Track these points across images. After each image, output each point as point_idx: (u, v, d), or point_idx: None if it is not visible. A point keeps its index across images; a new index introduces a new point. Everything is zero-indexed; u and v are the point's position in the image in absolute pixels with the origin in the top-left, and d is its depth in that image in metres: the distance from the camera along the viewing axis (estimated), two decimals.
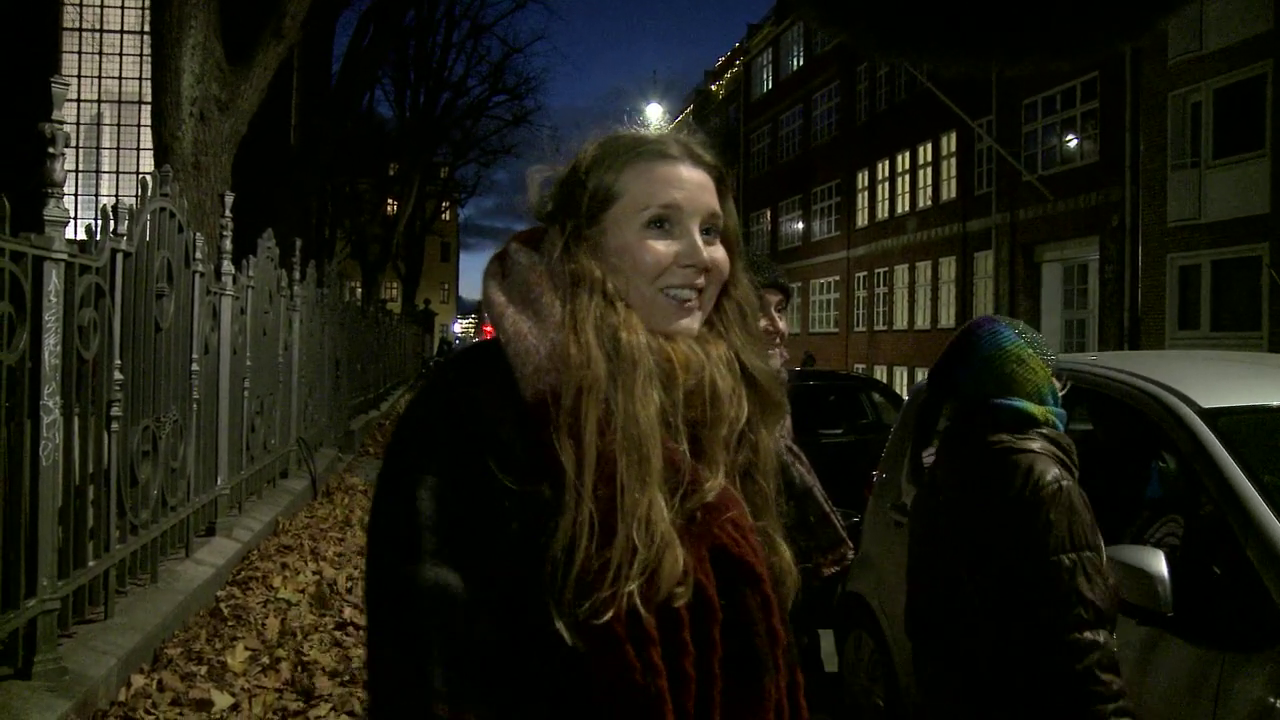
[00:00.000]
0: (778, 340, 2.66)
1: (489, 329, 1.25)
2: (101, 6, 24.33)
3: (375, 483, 1.17)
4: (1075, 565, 2.16)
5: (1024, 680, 2.24)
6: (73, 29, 23.79)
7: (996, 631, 2.30)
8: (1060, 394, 2.49)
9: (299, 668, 4.55)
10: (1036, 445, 2.34)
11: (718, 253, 1.25)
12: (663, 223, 1.22)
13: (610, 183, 1.22)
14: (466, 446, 1.10)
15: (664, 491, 1.12)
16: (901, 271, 30.59)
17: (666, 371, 1.17)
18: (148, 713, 3.85)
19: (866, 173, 32.76)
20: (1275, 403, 3.17)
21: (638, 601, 1.06)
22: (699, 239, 1.23)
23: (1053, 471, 2.25)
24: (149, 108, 8.18)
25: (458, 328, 77.13)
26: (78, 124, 22.29)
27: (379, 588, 1.11)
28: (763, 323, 2.61)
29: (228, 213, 6.51)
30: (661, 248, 1.21)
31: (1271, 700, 2.38)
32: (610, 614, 1.05)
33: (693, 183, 1.24)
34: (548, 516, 1.07)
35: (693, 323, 1.23)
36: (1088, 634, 2.13)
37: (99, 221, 4.27)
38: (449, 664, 1.04)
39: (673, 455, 1.15)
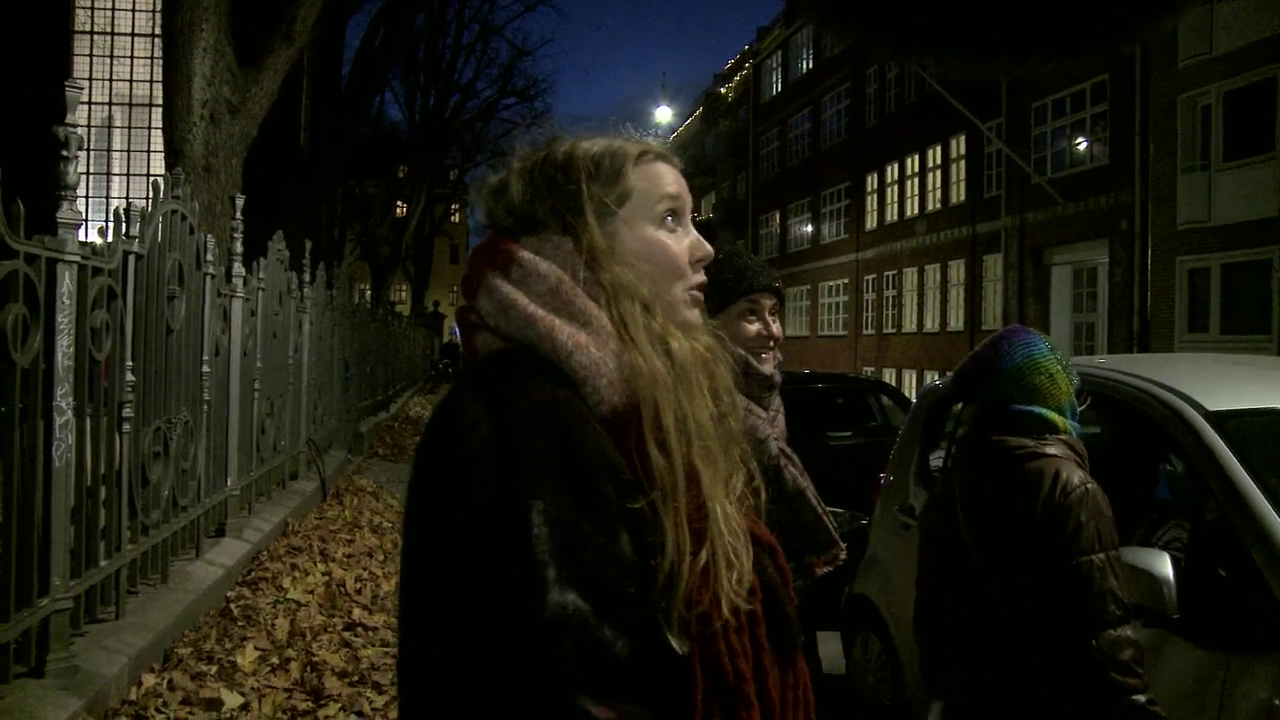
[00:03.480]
0: (772, 344, 2.68)
1: None
2: (113, 9, 24.47)
3: (451, 514, 1.06)
4: (1105, 565, 2.27)
5: (1053, 676, 2.29)
6: (84, 32, 23.92)
7: (1024, 631, 2.35)
8: (1079, 410, 2.56)
9: (308, 668, 4.57)
10: (1057, 450, 2.42)
11: None
12: (670, 220, 1.24)
13: (617, 186, 1.22)
14: (578, 466, 1.04)
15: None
16: (910, 274, 30.56)
17: (704, 372, 1.20)
18: (158, 711, 3.87)
19: (875, 175, 32.75)
20: None
21: (735, 596, 1.11)
22: (696, 233, 1.27)
23: (1078, 475, 2.35)
24: (160, 110, 8.23)
25: None
26: (89, 126, 22.41)
27: (500, 624, 1.00)
28: (757, 326, 2.65)
29: (238, 215, 6.53)
30: (676, 244, 1.24)
31: (1276, 701, 2.39)
32: (715, 612, 1.08)
33: (682, 179, 1.28)
34: (646, 531, 1.07)
35: (700, 315, 1.26)
36: (1123, 630, 2.23)
37: (111, 224, 4.30)
38: (593, 675, 0.99)
39: None
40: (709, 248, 1.27)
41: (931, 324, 29.39)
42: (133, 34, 24.62)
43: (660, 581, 1.06)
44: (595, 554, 1.02)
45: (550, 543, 1.00)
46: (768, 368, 2.66)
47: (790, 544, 2.62)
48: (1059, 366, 2.53)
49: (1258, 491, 2.71)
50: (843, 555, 2.71)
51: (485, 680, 1.00)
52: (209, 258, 5.60)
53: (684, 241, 1.25)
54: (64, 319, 3.71)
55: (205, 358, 5.60)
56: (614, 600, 1.02)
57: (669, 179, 1.25)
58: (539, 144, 1.27)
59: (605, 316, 1.14)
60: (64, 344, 3.71)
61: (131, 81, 24.62)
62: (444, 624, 1.04)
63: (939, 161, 28.91)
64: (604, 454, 1.06)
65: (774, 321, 2.67)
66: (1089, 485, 2.33)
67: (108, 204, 21.39)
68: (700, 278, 1.26)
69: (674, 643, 1.06)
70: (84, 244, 3.89)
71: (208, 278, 5.63)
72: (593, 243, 1.18)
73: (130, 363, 4.39)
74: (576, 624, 0.99)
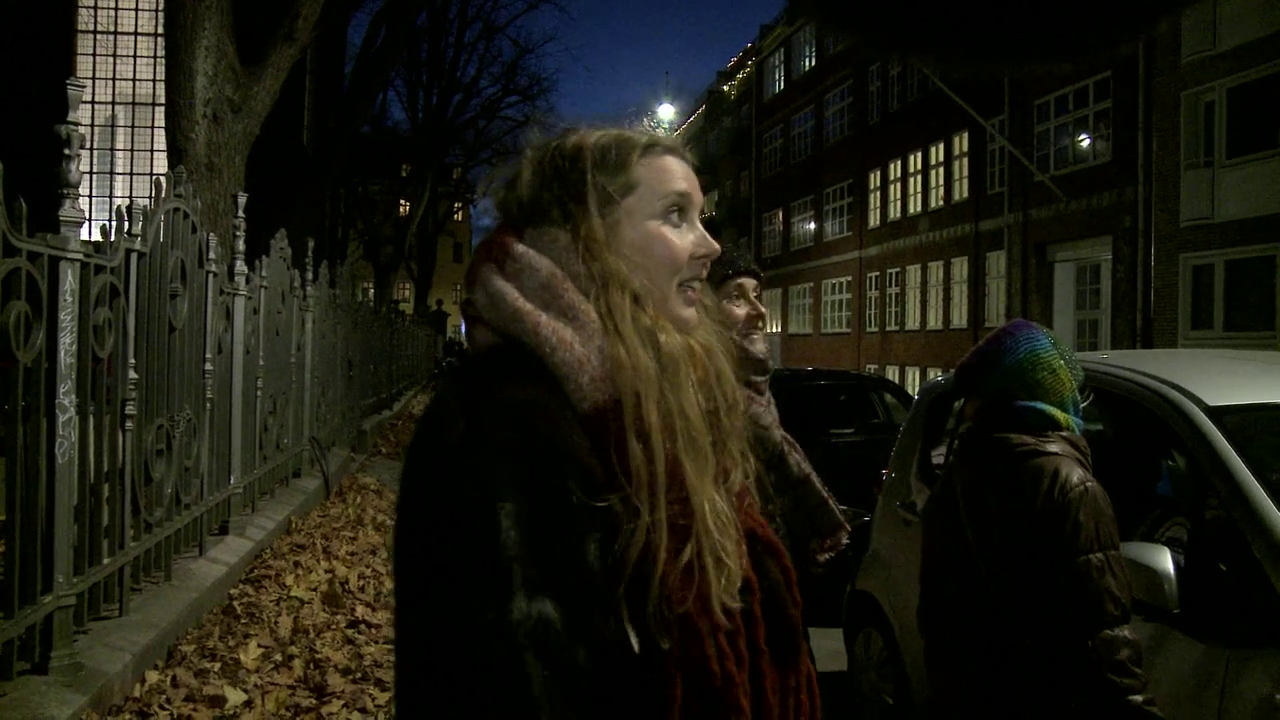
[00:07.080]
0: (759, 324, 2.71)
1: None
2: (116, 9, 24.46)
3: (427, 509, 1.05)
4: (1104, 564, 2.25)
5: (1050, 674, 2.29)
6: (87, 31, 23.92)
7: (1025, 628, 2.35)
8: (1082, 406, 2.56)
9: (311, 665, 4.57)
10: (1058, 447, 2.41)
11: None
12: (675, 215, 1.23)
13: (622, 177, 1.21)
14: (543, 466, 1.03)
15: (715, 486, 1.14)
16: (913, 272, 30.53)
17: (694, 366, 1.18)
18: (162, 708, 3.88)
19: (878, 173, 32.70)
20: None
21: (724, 595, 1.09)
22: (702, 230, 1.26)
23: (1078, 473, 2.34)
24: (163, 109, 8.23)
25: None
26: (92, 125, 22.44)
27: (464, 627, 0.98)
28: (745, 308, 2.67)
29: (241, 213, 6.54)
30: (678, 240, 1.22)
31: (1277, 696, 2.39)
32: (699, 611, 1.06)
33: (692, 175, 1.27)
34: (620, 528, 1.05)
35: (695, 312, 1.25)
36: (1119, 630, 2.22)
37: (114, 222, 4.31)
38: (554, 699, 0.98)
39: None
40: (714, 245, 1.25)
41: (935, 321, 29.35)
42: (136, 33, 24.61)
43: (627, 578, 1.04)
44: (563, 559, 1.02)
45: (518, 546, 0.99)
46: (760, 348, 2.68)
47: (795, 530, 2.64)
48: (1062, 361, 2.52)
49: (1258, 486, 2.71)
50: (846, 538, 2.73)
51: (449, 680, 0.98)
52: (211, 256, 5.61)
53: (687, 237, 1.23)
54: (67, 317, 3.72)
55: (208, 356, 5.61)
56: (580, 606, 1.01)
57: (677, 173, 1.24)
58: (552, 134, 1.27)
59: (593, 310, 1.14)
60: (67, 342, 3.72)
61: (135, 80, 24.62)
62: (418, 620, 1.03)
63: (941, 159, 28.85)
64: (575, 454, 1.05)
65: (760, 302, 2.71)
66: (1089, 484, 2.33)
67: (111, 202, 21.39)
68: (697, 274, 1.25)
69: (633, 641, 1.03)
70: (86, 242, 3.89)
71: (210, 276, 5.64)
72: (591, 232, 1.18)
73: (133, 360, 4.40)
74: (541, 632, 0.98)
